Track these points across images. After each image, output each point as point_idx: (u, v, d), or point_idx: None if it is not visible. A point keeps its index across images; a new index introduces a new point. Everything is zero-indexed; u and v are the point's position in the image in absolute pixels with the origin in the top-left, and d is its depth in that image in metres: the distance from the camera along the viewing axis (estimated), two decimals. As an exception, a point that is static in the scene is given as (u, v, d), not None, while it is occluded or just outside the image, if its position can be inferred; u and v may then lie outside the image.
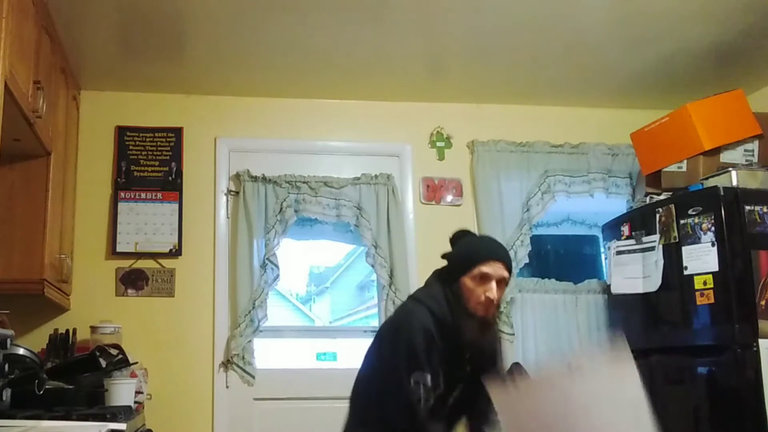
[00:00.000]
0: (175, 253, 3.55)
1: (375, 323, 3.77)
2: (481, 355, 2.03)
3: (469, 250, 2.08)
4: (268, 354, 3.65)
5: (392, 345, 1.98)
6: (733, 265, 2.88)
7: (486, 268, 1.99)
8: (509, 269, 2.06)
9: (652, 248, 3.22)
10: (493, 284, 1.99)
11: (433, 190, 3.84)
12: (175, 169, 3.63)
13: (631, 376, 1.57)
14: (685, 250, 3.03)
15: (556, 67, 3.54)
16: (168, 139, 3.66)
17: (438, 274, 2.12)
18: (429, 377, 1.89)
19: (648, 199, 3.40)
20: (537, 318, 3.73)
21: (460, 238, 2.15)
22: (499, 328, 2.06)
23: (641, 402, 1.52)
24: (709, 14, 3.03)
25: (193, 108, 3.73)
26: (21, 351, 2.61)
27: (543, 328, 3.73)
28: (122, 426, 2.18)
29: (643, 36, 3.22)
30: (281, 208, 3.62)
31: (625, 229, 3.43)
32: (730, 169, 3.08)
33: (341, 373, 3.64)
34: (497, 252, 2.07)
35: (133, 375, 3.09)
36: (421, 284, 2.19)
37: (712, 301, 2.90)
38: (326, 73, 3.57)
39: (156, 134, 3.66)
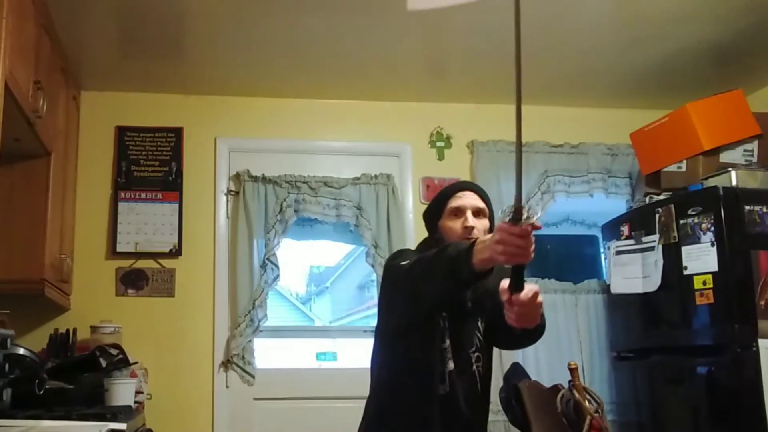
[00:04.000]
0: (175, 253, 3.55)
1: (374, 323, 3.76)
2: (477, 293, 1.91)
3: (437, 195, 2.06)
4: (268, 354, 3.66)
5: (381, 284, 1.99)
6: (733, 265, 2.88)
7: (455, 201, 1.96)
8: (485, 200, 1.99)
9: (652, 248, 3.22)
10: (469, 214, 1.93)
11: (432, 190, 3.84)
12: (175, 169, 3.64)
13: None
14: (685, 250, 3.03)
15: (556, 67, 3.54)
16: (168, 139, 3.66)
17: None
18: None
19: (647, 199, 3.40)
20: (537, 318, 3.72)
21: None
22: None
23: None
24: (708, 14, 3.03)
25: (193, 108, 3.74)
26: (21, 351, 2.61)
27: (542, 328, 3.73)
28: (122, 426, 2.18)
29: (642, 36, 3.22)
30: (281, 208, 3.62)
31: (625, 229, 3.43)
32: (730, 169, 3.09)
33: (341, 373, 3.67)
34: (463, 184, 2.05)
35: (133, 375, 3.09)
36: None
37: (711, 301, 2.90)
38: (326, 73, 3.57)
39: (156, 134, 3.66)
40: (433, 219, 2.02)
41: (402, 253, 1.99)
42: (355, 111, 3.88)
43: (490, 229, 1.96)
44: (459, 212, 1.95)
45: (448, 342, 1.89)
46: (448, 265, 1.61)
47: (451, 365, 1.88)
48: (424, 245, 2.05)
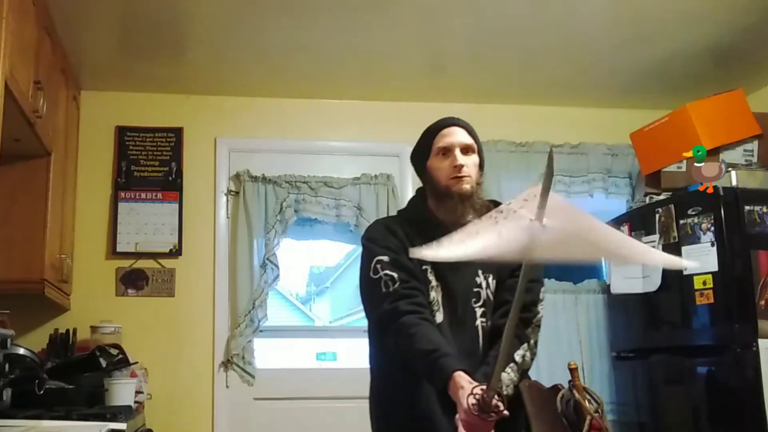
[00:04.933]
0: (175, 253, 3.55)
1: (375, 323, 3.77)
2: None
3: (422, 135, 1.98)
4: (268, 354, 3.66)
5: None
6: (733, 265, 2.88)
7: (442, 140, 1.89)
8: (472, 135, 1.93)
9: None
10: (457, 152, 1.86)
11: (432, 190, 3.84)
12: (175, 169, 3.64)
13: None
14: (685, 250, 3.03)
15: (556, 67, 3.54)
16: (168, 139, 3.66)
17: None
18: (388, 258, 1.80)
19: (647, 199, 3.40)
20: (537, 318, 3.72)
21: None
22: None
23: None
24: (708, 14, 3.03)
25: (193, 108, 3.73)
26: (21, 351, 2.61)
27: (543, 328, 3.71)
28: (122, 426, 2.18)
29: (642, 36, 3.22)
30: (281, 208, 3.62)
31: (625, 229, 3.43)
32: (730, 169, 3.09)
33: (341, 372, 3.66)
34: (448, 120, 1.95)
35: (133, 375, 3.09)
36: None
37: (711, 301, 2.90)
38: (326, 73, 3.57)
39: (156, 134, 3.66)
40: (421, 160, 1.94)
41: (374, 242, 1.88)
42: (355, 111, 3.88)
43: (480, 166, 1.93)
44: (447, 151, 1.88)
45: (433, 294, 1.83)
46: (423, 373, 1.69)
47: (439, 318, 1.82)
48: (411, 205, 2.00)
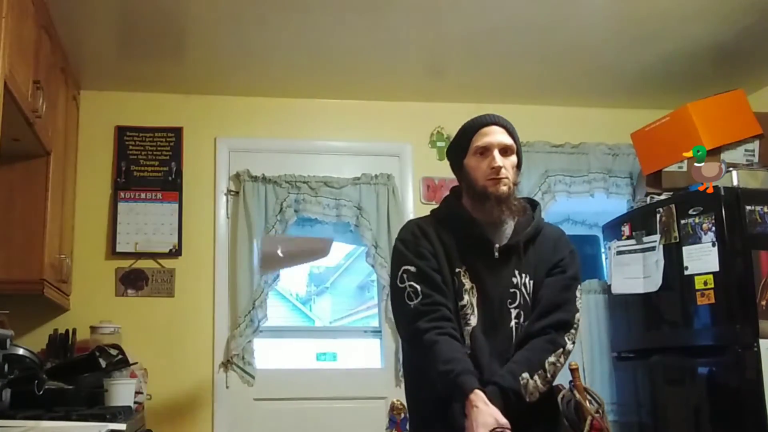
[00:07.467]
0: (175, 253, 3.55)
1: (375, 323, 3.77)
2: (502, 238, 1.86)
3: (459, 131, 1.94)
4: (268, 354, 3.65)
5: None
6: (734, 265, 2.87)
7: (480, 139, 1.85)
8: (512, 135, 1.88)
9: (653, 248, 3.22)
10: (496, 153, 1.82)
11: (433, 190, 3.84)
12: (174, 169, 3.63)
13: None
14: (686, 250, 3.03)
15: (556, 67, 3.54)
16: (168, 139, 3.66)
17: None
18: (415, 268, 1.81)
19: (648, 199, 3.39)
20: (537, 318, 3.72)
21: None
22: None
23: None
24: (709, 14, 3.02)
25: (192, 108, 3.73)
26: (21, 351, 2.60)
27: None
28: (122, 426, 2.17)
29: (643, 36, 3.22)
30: (281, 208, 3.62)
31: (626, 229, 3.43)
32: (731, 169, 3.08)
33: (341, 373, 3.66)
34: (487, 118, 1.90)
35: (132, 375, 3.08)
36: None
37: (712, 301, 2.90)
38: (326, 73, 3.56)
39: (156, 134, 3.65)
40: (458, 157, 1.91)
41: (405, 245, 1.88)
42: (355, 111, 3.88)
43: (518, 165, 1.90)
44: (485, 151, 1.84)
45: (466, 298, 1.80)
46: (448, 394, 1.71)
47: (473, 321, 1.79)
48: (446, 205, 1.98)
